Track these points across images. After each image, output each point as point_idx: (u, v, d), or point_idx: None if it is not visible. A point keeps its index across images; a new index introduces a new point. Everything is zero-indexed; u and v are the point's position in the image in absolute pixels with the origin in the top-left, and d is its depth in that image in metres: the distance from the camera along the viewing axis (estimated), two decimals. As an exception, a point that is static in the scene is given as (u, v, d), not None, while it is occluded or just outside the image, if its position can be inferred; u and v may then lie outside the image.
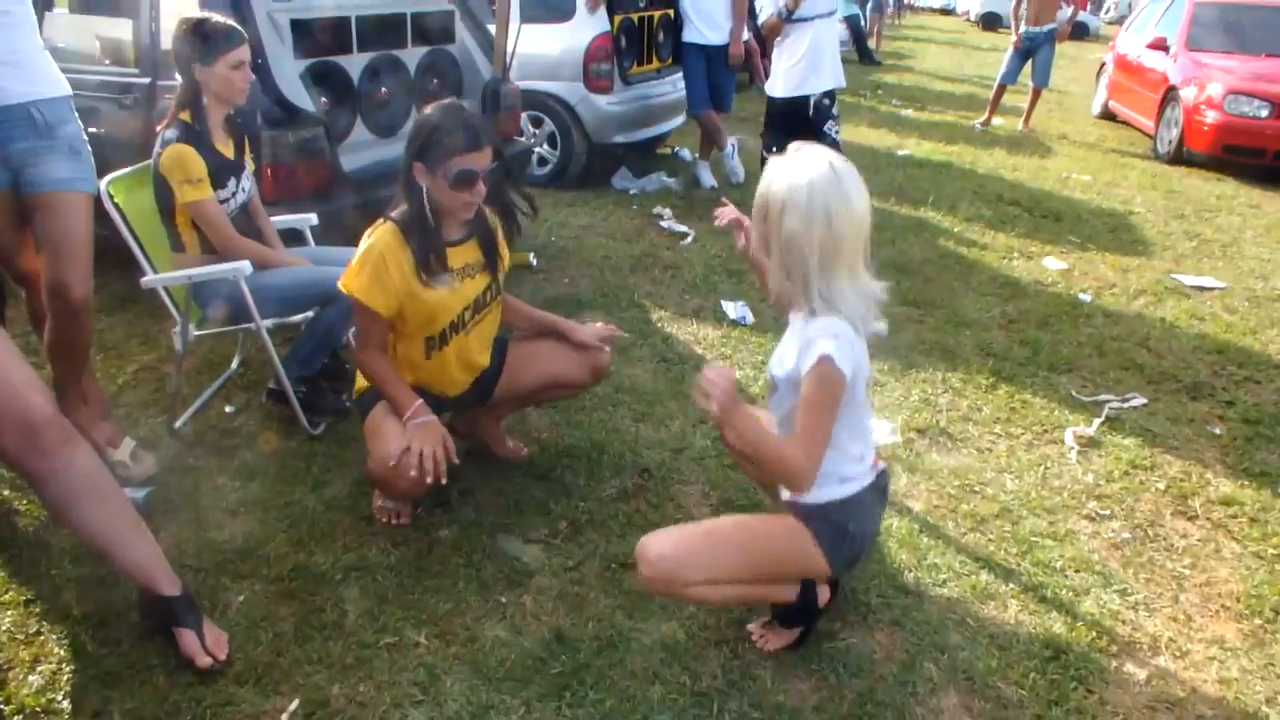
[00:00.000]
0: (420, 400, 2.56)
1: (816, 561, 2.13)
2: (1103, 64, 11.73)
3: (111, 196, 3.01)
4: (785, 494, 2.17)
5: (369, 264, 2.46)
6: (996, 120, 10.03)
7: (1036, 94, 9.81)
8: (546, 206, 6.17)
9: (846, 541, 2.13)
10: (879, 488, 2.21)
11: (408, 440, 2.47)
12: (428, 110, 2.48)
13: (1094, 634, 2.45)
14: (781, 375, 2.06)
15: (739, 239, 2.40)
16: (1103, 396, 3.80)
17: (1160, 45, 9.63)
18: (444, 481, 2.50)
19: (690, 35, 6.48)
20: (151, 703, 2.11)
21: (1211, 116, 8.35)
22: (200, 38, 2.96)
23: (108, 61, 4.12)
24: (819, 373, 1.91)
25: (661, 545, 2.06)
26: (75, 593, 2.45)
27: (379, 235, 2.50)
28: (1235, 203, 7.28)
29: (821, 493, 2.09)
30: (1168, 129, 9.02)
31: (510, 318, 2.89)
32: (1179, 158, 8.70)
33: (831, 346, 1.89)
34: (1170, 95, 9.01)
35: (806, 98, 5.46)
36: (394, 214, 2.53)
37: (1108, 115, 11.16)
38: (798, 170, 1.91)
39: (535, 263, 4.98)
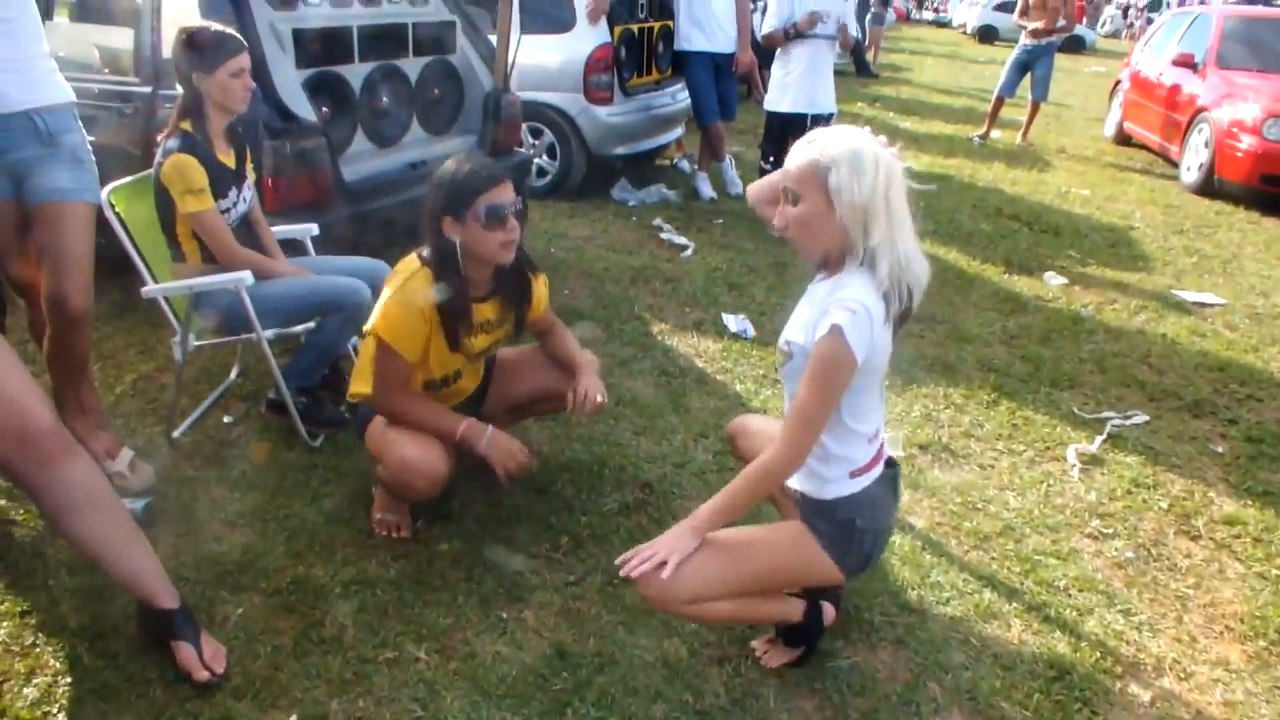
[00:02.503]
0: (468, 418, 2.56)
1: (824, 566, 2.06)
2: (1117, 82, 10.99)
3: (112, 205, 2.99)
4: (792, 485, 2.13)
5: (401, 308, 2.42)
6: (995, 133, 10.05)
7: (1035, 107, 9.83)
8: (545, 218, 6.17)
9: (855, 539, 2.06)
10: (889, 478, 2.15)
11: (491, 456, 2.52)
12: (441, 167, 2.44)
13: (1098, 654, 2.44)
14: (800, 344, 1.98)
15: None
16: (1104, 414, 3.79)
17: (1187, 62, 8.86)
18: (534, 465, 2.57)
19: (692, 44, 6.47)
20: (148, 717, 2.08)
21: (1248, 142, 7.51)
22: (200, 46, 2.94)
23: (108, 71, 4.11)
24: (828, 349, 1.85)
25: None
26: (72, 604, 2.42)
27: (415, 281, 2.44)
28: (1234, 219, 7.29)
29: (827, 487, 2.05)
30: (1195, 155, 8.20)
31: (548, 343, 2.85)
32: (1209, 188, 7.91)
33: (845, 319, 1.83)
34: (1199, 118, 8.22)
35: (804, 116, 5.51)
36: (426, 255, 2.47)
37: (1123, 139, 10.44)
38: (843, 138, 1.89)
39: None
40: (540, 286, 2.73)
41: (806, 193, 1.91)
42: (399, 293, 2.43)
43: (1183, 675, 2.41)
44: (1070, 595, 2.68)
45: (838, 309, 1.85)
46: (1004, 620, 2.55)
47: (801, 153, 1.92)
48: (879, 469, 2.12)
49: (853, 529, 2.05)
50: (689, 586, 1.99)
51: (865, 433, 2.06)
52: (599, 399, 2.67)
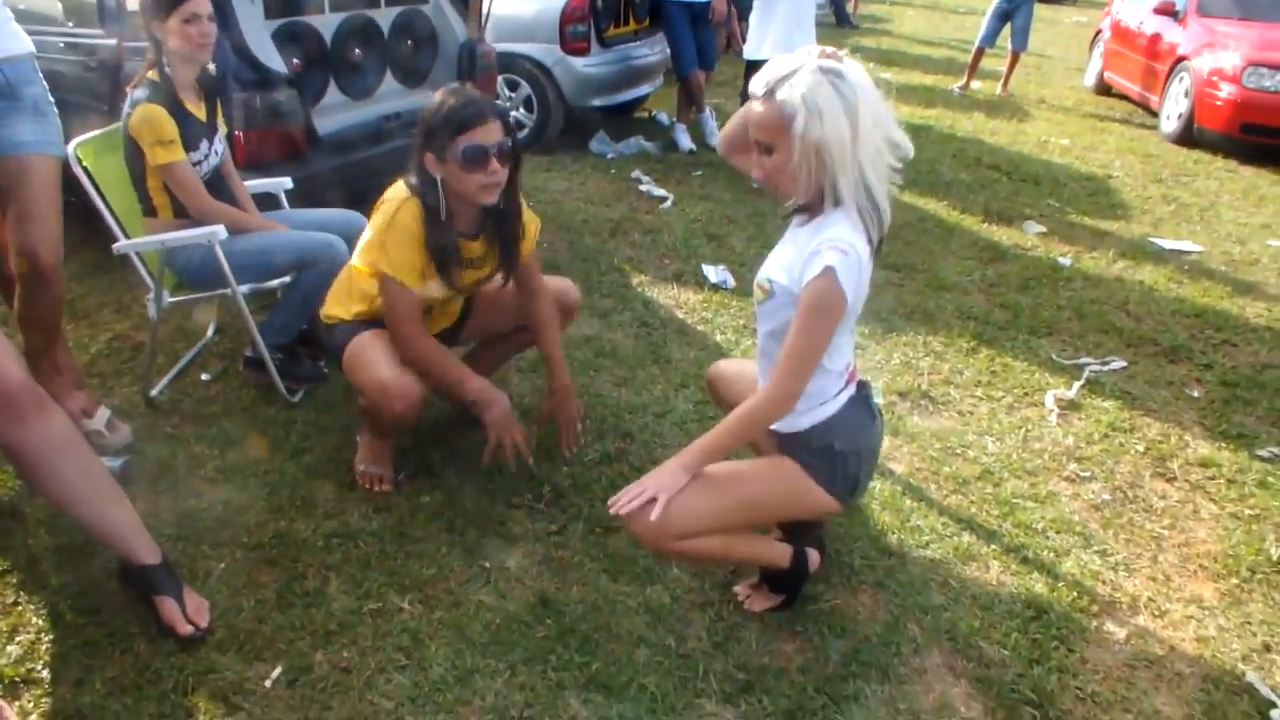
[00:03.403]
0: (484, 380, 2.53)
1: (814, 494, 2.06)
2: (1098, 31, 10.82)
3: (80, 160, 2.94)
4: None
5: (394, 241, 2.37)
6: (975, 84, 10.00)
7: (1015, 57, 9.79)
8: (523, 171, 6.09)
9: (839, 463, 2.05)
10: (861, 399, 2.13)
11: (491, 431, 2.49)
12: (429, 99, 2.38)
13: (1075, 594, 2.48)
14: (783, 284, 1.96)
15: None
16: (1082, 360, 3.82)
17: (1168, 10, 8.75)
18: (530, 462, 2.60)
19: None
20: (133, 671, 2.09)
21: (1227, 91, 7.47)
22: None
23: (71, 23, 4.02)
24: (821, 288, 1.84)
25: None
26: (52, 562, 2.41)
27: (403, 209, 2.39)
28: (1212, 167, 7.31)
29: (800, 420, 2.05)
30: (1175, 104, 8.15)
31: (522, 295, 2.76)
32: (1188, 137, 7.91)
33: (838, 260, 1.82)
34: (1179, 67, 8.16)
35: None
36: (414, 182, 2.42)
37: (1103, 89, 10.35)
38: (799, 79, 1.81)
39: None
40: (529, 226, 2.68)
41: (777, 141, 1.87)
42: (392, 225, 2.38)
43: (1157, 613, 2.46)
44: (1048, 537, 2.71)
45: (829, 250, 1.83)
46: (982, 562, 2.58)
47: (762, 100, 1.87)
48: (849, 390, 2.10)
49: (833, 453, 2.05)
50: (678, 522, 1.97)
51: (838, 370, 2.06)
52: (576, 441, 2.79)
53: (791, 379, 1.91)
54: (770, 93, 1.85)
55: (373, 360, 2.49)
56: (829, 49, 1.88)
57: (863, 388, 2.16)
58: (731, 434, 1.98)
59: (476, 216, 2.51)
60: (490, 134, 2.32)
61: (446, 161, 2.33)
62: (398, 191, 2.44)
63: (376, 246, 2.38)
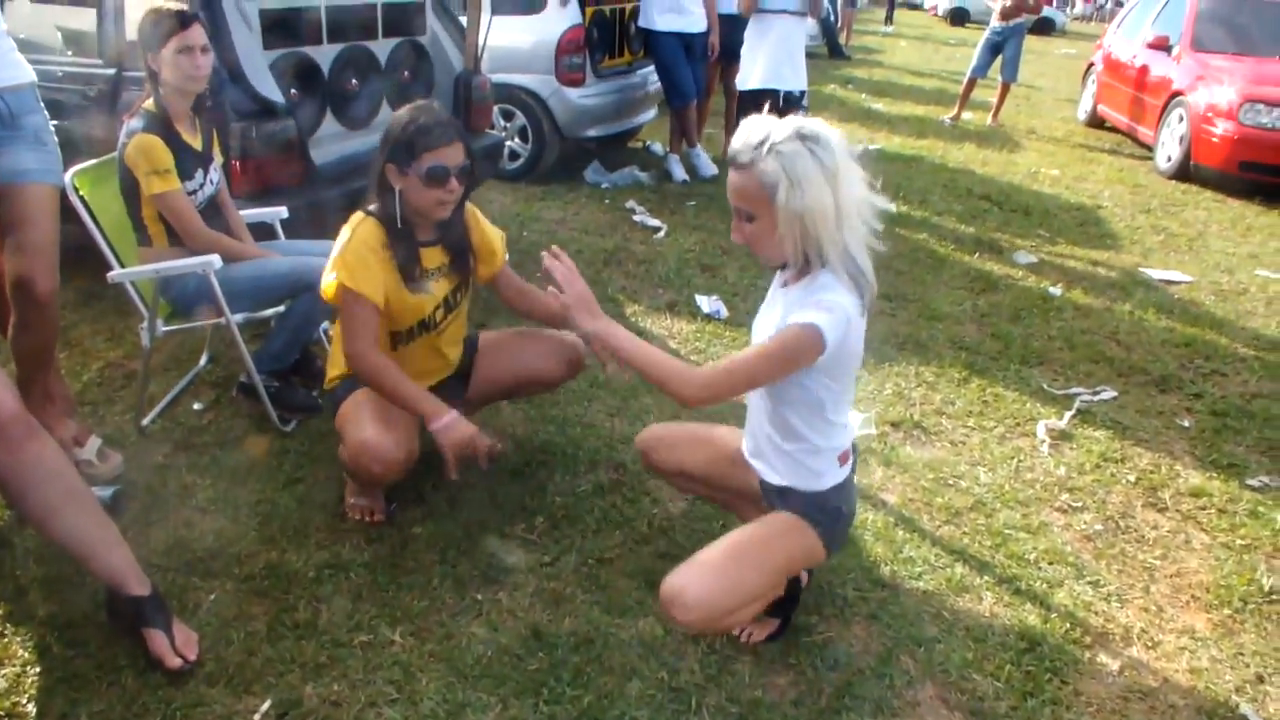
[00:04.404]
0: (436, 399, 2.49)
1: (818, 551, 2.15)
2: (1090, 65, 10.81)
3: (76, 189, 2.94)
4: (770, 477, 2.17)
5: (353, 253, 2.43)
6: (966, 115, 10.09)
7: (1005, 89, 9.89)
8: (518, 201, 6.15)
9: (841, 523, 2.18)
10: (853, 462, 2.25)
11: (445, 449, 2.44)
12: (396, 114, 2.45)
13: (1068, 625, 2.48)
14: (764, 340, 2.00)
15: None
16: (1073, 389, 3.84)
17: (1161, 45, 8.64)
18: (498, 450, 2.54)
19: (662, 23, 6.36)
20: (120, 704, 2.06)
21: (1224, 128, 7.33)
22: (150, 24, 2.90)
23: (70, 53, 4.04)
24: (799, 333, 1.85)
25: (694, 588, 1.97)
26: (40, 593, 2.39)
27: (361, 228, 2.47)
28: (1201, 198, 7.37)
29: (824, 480, 2.11)
30: (1171, 140, 7.97)
31: (509, 294, 2.85)
32: (1184, 173, 7.75)
33: (824, 319, 1.84)
34: (1174, 102, 8.02)
35: (775, 91, 5.50)
36: (373, 208, 2.50)
37: (1096, 122, 10.29)
38: (780, 152, 1.83)
39: (506, 257, 4.93)
40: (494, 241, 2.77)
41: (758, 210, 1.90)
42: (350, 242, 2.45)
43: (1150, 644, 2.45)
44: (1040, 568, 2.71)
45: (815, 310, 1.86)
46: (975, 594, 2.58)
47: (741, 170, 1.89)
48: (853, 456, 2.20)
49: (840, 515, 2.15)
50: (723, 602, 2.00)
51: (843, 423, 2.12)
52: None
53: (723, 387, 1.93)
54: (750, 163, 1.86)
55: (358, 419, 2.50)
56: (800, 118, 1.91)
57: (854, 452, 2.24)
58: (650, 359, 1.98)
59: (430, 228, 2.57)
60: (454, 155, 2.40)
61: (408, 175, 2.39)
62: (356, 217, 2.51)
63: (337, 263, 2.44)
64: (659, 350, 2.03)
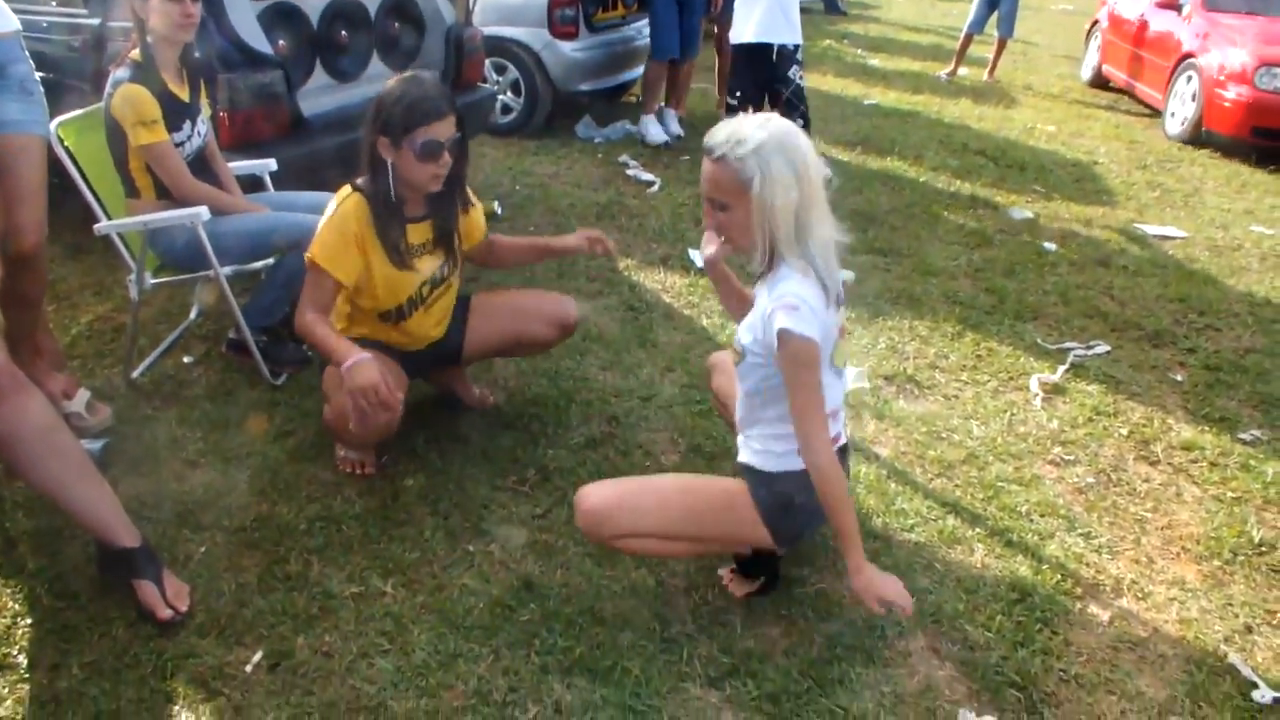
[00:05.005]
0: (361, 351, 2.36)
1: (755, 530, 2.11)
2: (1094, 22, 10.23)
3: (61, 140, 2.90)
4: (741, 455, 2.18)
5: (336, 232, 2.41)
6: (962, 70, 9.98)
7: (1002, 44, 9.76)
8: (510, 155, 6.08)
9: (790, 514, 2.10)
10: (840, 458, 2.15)
11: (345, 388, 2.32)
12: (387, 84, 2.41)
13: (1059, 577, 2.48)
14: (747, 343, 2.04)
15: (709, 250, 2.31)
16: (1067, 344, 3.83)
17: (1171, 4, 8.22)
18: (394, 415, 2.40)
19: None
20: (111, 655, 2.07)
21: (1237, 92, 6.95)
22: None
23: (54, 2, 3.96)
24: (789, 352, 1.90)
25: (595, 496, 2.10)
26: (30, 546, 2.39)
27: (347, 206, 2.43)
28: (1197, 154, 7.31)
29: (781, 460, 2.08)
30: (1182, 105, 7.56)
31: (500, 255, 2.85)
32: (1195, 138, 7.38)
33: (789, 320, 1.88)
34: (1184, 65, 7.58)
35: (770, 45, 5.40)
36: (360, 183, 2.46)
37: (1101, 83, 9.83)
38: (759, 147, 1.90)
39: (500, 211, 4.91)
40: (476, 216, 2.74)
41: (732, 201, 1.96)
42: (333, 217, 2.42)
43: (1140, 595, 2.46)
44: (1032, 520, 2.71)
45: (779, 310, 1.90)
46: (967, 545, 2.59)
47: (718, 161, 1.94)
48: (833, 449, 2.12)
49: (791, 503, 2.09)
50: (625, 520, 2.06)
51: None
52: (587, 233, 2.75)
53: (808, 427, 1.93)
54: (725, 156, 1.93)
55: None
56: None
57: (843, 452, 2.20)
58: (842, 505, 1.94)
59: (420, 203, 2.54)
60: (447, 129, 2.37)
61: (401, 149, 2.35)
62: (343, 192, 2.48)
63: (317, 239, 2.42)
64: (831, 505, 1.94)
